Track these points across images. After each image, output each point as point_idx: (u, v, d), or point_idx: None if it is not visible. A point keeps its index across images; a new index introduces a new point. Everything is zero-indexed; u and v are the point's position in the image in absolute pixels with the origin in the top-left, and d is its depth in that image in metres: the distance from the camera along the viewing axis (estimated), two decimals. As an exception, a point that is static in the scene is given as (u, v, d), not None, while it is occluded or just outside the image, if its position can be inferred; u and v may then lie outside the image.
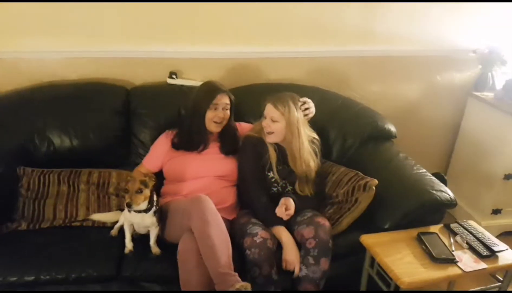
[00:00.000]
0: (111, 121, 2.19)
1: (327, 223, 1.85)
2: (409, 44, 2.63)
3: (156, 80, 2.37)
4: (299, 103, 1.97)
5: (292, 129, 1.93)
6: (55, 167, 2.06)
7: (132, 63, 2.34)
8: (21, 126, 2.07)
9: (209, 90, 2.01)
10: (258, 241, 1.74)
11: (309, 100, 2.03)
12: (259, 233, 1.77)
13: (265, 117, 1.97)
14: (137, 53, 2.31)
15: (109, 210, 2.00)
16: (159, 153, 2.07)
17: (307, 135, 1.99)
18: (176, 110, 2.22)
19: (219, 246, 1.65)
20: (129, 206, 1.70)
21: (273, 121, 1.94)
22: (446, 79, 2.80)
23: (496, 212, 2.68)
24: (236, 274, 1.62)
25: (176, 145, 2.04)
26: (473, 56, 2.74)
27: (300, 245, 1.84)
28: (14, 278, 1.65)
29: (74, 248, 1.77)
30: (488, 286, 1.83)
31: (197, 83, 2.25)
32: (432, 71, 2.76)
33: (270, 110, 1.94)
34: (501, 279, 1.80)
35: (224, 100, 2.00)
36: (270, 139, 1.98)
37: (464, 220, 1.95)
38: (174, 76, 2.34)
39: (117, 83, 2.32)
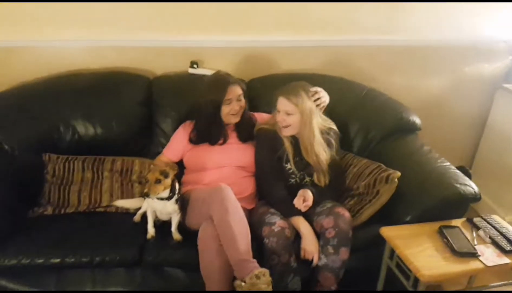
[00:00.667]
0: (134, 110, 2.23)
1: (347, 213, 1.84)
2: (436, 34, 2.56)
3: (178, 70, 2.39)
4: (310, 93, 1.92)
5: (305, 120, 1.89)
6: (80, 154, 2.11)
7: (154, 53, 2.36)
8: (46, 115, 2.12)
9: (219, 86, 1.96)
10: (276, 230, 1.75)
11: (320, 89, 1.98)
12: (277, 222, 1.78)
13: (279, 111, 1.92)
14: (159, 43, 2.33)
15: (132, 197, 2.05)
16: (179, 144, 2.09)
17: (319, 125, 1.96)
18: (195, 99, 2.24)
19: (239, 234, 1.67)
20: (147, 195, 1.73)
21: (288, 114, 1.90)
22: (474, 70, 2.71)
23: (522, 207, 2.62)
24: (255, 260, 1.64)
25: (193, 141, 2.04)
26: (503, 46, 2.65)
27: (319, 235, 1.84)
28: (41, 260, 1.71)
29: (98, 233, 1.82)
30: (511, 281, 1.79)
31: (218, 73, 2.26)
32: (460, 62, 2.68)
33: (283, 103, 1.90)
34: (526, 275, 1.76)
35: (236, 92, 1.97)
36: (286, 133, 1.95)
37: (488, 215, 1.91)
38: (195, 66, 2.35)
39: (139, 73, 2.35)
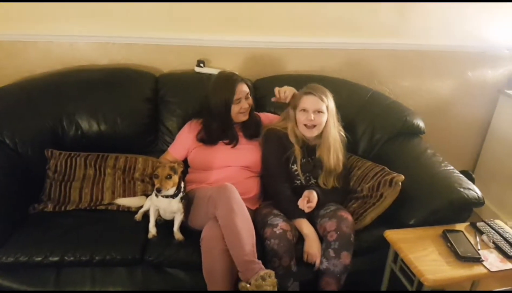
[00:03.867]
0: (139, 107, 2.21)
1: (349, 217, 1.83)
2: (442, 39, 2.57)
3: (184, 68, 2.39)
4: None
5: (332, 120, 1.91)
6: (82, 150, 2.09)
7: (161, 51, 2.36)
8: (50, 109, 2.11)
9: (228, 85, 1.96)
10: (278, 232, 1.74)
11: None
12: (279, 224, 1.76)
13: (306, 110, 1.91)
14: (167, 41, 2.33)
15: (134, 195, 2.03)
16: (184, 142, 2.08)
17: (337, 127, 1.98)
18: (203, 99, 2.22)
19: (244, 234, 1.65)
20: (158, 191, 1.72)
21: (319, 112, 1.89)
22: (478, 76, 2.72)
23: (524, 213, 2.62)
24: (260, 261, 1.63)
25: (203, 141, 2.03)
26: (507, 53, 2.67)
27: (322, 238, 1.83)
28: (40, 258, 1.69)
29: (99, 231, 1.81)
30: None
31: (224, 72, 2.25)
32: (464, 68, 2.69)
33: (314, 102, 1.89)
34: (528, 281, 1.76)
35: (244, 91, 1.98)
36: (312, 133, 1.93)
37: (491, 220, 1.91)
38: (202, 64, 2.34)
39: (145, 70, 2.34)
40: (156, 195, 1.78)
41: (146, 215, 1.88)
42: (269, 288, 1.55)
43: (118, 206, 1.97)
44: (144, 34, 2.30)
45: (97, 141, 2.14)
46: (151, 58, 2.37)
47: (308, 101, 1.90)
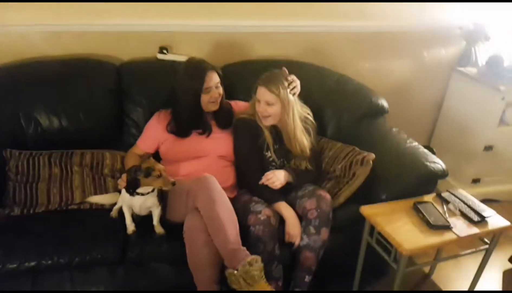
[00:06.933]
0: (102, 99, 2.10)
1: (328, 196, 1.89)
2: (400, 21, 2.66)
3: (145, 56, 2.29)
4: (288, 82, 1.90)
5: (287, 110, 1.89)
6: (45, 149, 1.97)
7: (120, 38, 2.24)
8: (4, 107, 1.95)
9: (197, 74, 1.89)
10: (262, 218, 1.76)
11: (294, 77, 1.96)
12: (262, 210, 1.78)
13: (259, 101, 1.90)
14: (125, 27, 2.21)
15: (106, 192, 1.95)
16: (154, 135, 2.01)
17: (299, 113, 1.97)
18: (169, 87, 2.13)
19: (227, 223, 1.65)
20: (172, 185, 1.69)
21: (269, 104, 1.88)
22: (433, 55, 2.86)
23: (475, 181, 2.85)
24: (245, 248, 1.65)
25: (174, 132, 1.97)
26: (458, 32, 2.81)
27: (301, 217, 1.88)
28: (14, 265, 1.59)
29: (74, 231, 1.73)
30: (477, 249, 1.94)
31: (190, 59, 2.19)
32: (420, 48, 2.81)
33: (264, 93, 1.87)
34: (488, 242, 1.91)
35: (215, 79, 1.92)
36: (267, 122, 1.94)
37: (455, 189, 2.04)
38: (165, 51, 2.26)
39: (103, 59, 2.22)
40: (132, 194, 1.71)
41: (121, 211, 1.81)
42: (256, 273, 1.58)
43: (91, 204, 1.88)
44: (99, 21, 2.17)
45: (60, 138, 2.02)
46: (109, 46, 2.24)
47: (260, 93, 1.89)
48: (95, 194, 1.92)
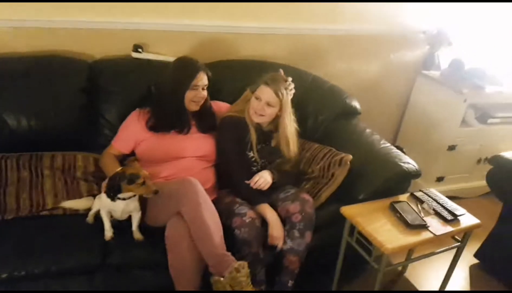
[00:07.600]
0: (73, 98, 2.00)
1: (311, 199, 1.91)
2: (369, 24, 2.73)
3: (118, 54, 2.20)
4: (286, 85, 1.93)
5: (288, 113, 1.93)
6: (13, 151, 1.86)
7: (92, 35, 2.14)
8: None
9: (189, 70, 1.88)
10: (247, 220, 1.75)
11: (290, 80, 1.99)
12: (247, 213, 1.77)
13: (259, 99, 1.90)
14: (98, 24, 2.11)
15: (80, 196, 1.85)
16: (131, 134, 1.94)
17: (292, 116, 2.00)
18: (145, 86, 2.09)
19: (212, 227, 1.63)
20: (156, 193, 1.63)
21: (269, 105, 1.89)
22: (399, 58, 2.97)
23: (439, 179, 2.98)
24: (230, 253, 1.63)
25: (154, 128, 1.91)
26: (422, 36, 2.93)
27: (284, 220, 1.88)
28: (-17, 277, 1.47)
29: (49, 239, 1.62)
30: (449, 246, 2.03)
31: (167, 58, 2.14)
32: (387, 51, 2.91)
33: (268, 94, 1.88)
34: (460, 239, 2.01)
35: (204, 81, 1.91)
36: (259, 120, 1.94)
37: (427, 189, 2.13)
38: (139, 50, 2.18)
39: (74, 57, 2.11)
40: (113, 199, 1.64)
41: (98, 216, 1.73)
42: (243, 279, 1.57)
43: (64, 209, 1.77)
44: (70, 17, 2.06)
45: (29, 139, 1.92)
46: (80, 44, 2.14)
47: (263, 92, 1.89)
48: (68, 198, 1.82)
